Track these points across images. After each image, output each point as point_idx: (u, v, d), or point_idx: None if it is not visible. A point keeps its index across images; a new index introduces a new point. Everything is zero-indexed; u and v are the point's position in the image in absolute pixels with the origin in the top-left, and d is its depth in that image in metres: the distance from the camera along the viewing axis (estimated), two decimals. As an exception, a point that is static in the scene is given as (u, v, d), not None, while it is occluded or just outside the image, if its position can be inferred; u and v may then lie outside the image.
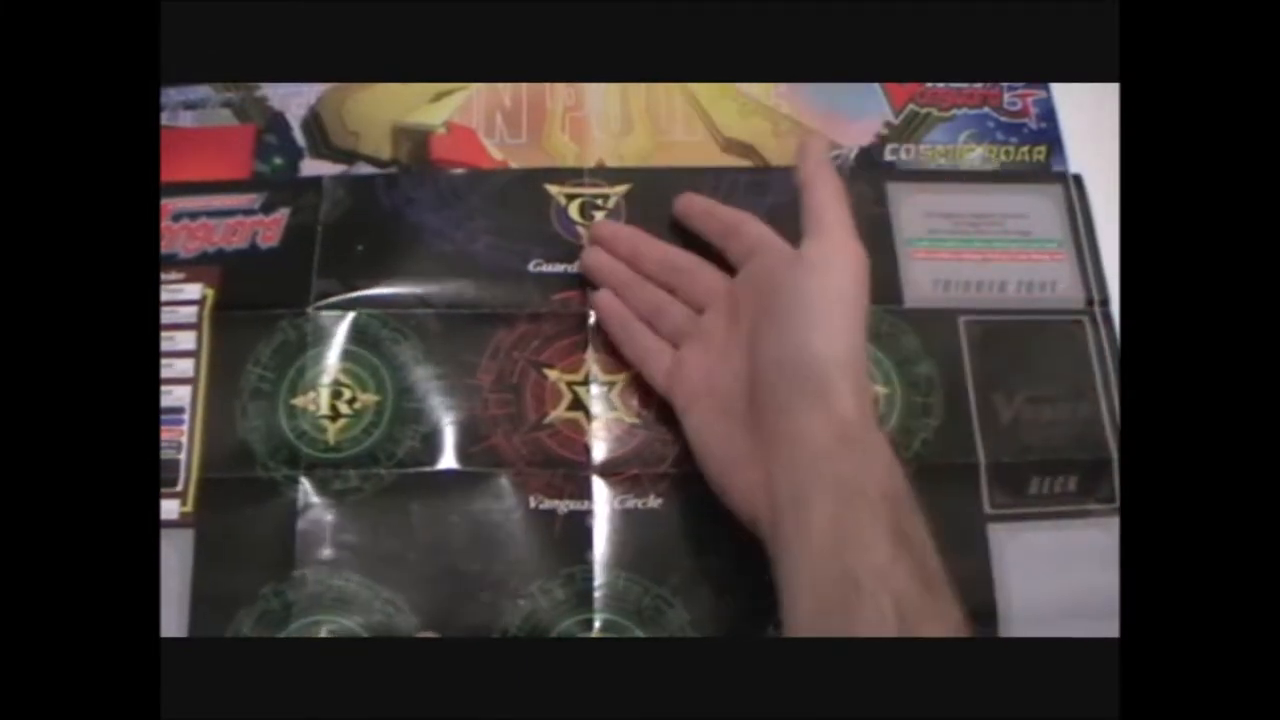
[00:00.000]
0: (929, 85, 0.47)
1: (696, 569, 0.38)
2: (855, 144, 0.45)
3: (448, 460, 0.39)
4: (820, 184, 0.36)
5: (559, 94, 0.46)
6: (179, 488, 0.39)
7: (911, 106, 0.46)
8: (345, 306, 0.41)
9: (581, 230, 0.43)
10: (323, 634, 0.37)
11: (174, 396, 0.40)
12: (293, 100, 0.45)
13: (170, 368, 0.40)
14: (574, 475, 0.39)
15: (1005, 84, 0.47)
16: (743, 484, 0.34)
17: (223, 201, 0.43)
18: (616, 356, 0.40)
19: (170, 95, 0.45)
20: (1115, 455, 0.40)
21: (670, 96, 0.46)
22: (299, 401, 0.40)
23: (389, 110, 0.45)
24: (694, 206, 0.41)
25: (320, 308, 0.41)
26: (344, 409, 0.40)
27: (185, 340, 0.41)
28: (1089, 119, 0.46)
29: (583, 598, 0.38)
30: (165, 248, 0.42)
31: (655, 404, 0.39)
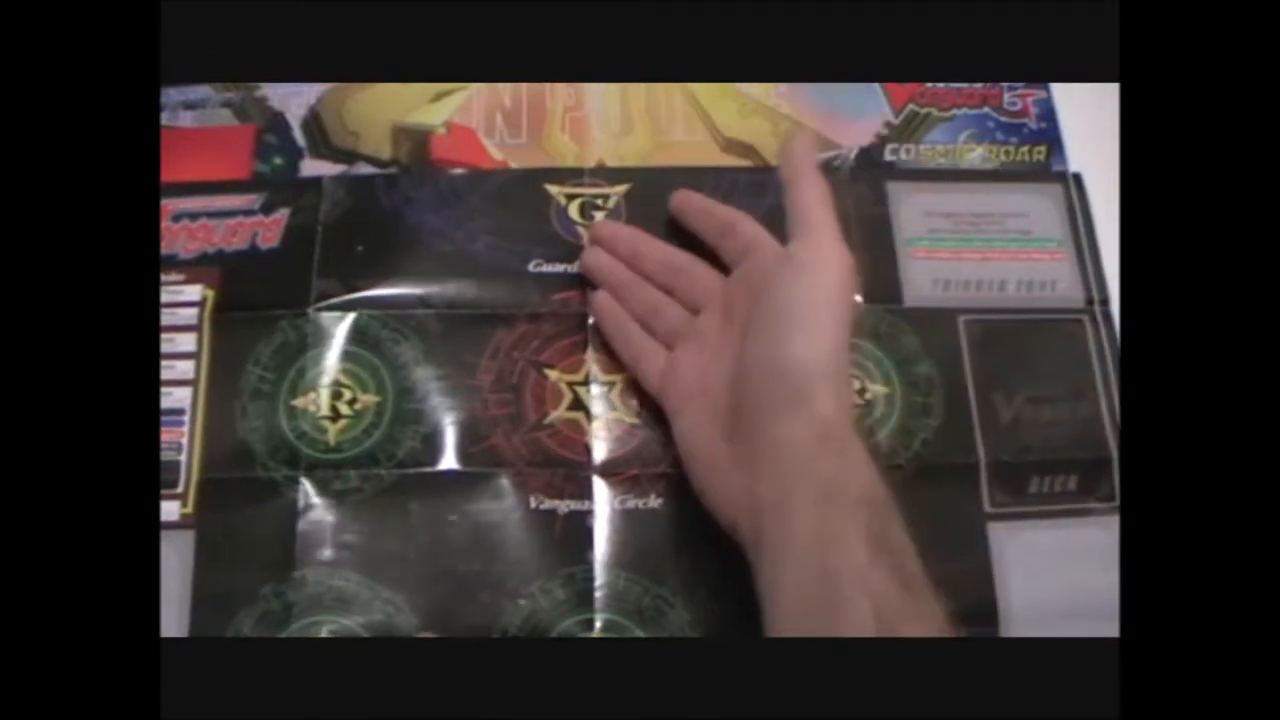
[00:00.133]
0: (929, 85, 0.47)
1: (696, 569, 0.38)
2: (855, 144, 0.45)
3: (448, 460, 0.39)
4: (805, 184, 0.36)
5: (559, 94, 0.46)
6: (179, 489, 0.39)
7: (911, 106, 0.46)
8: (345, 307, 0.41)
9: (581, 230, 0.43)
10: (323, 634, 0.37)
11: (174, 398, 0.40)
12: (293, 100, 0.45)
13: (171, 369, 0.40)
14: (574, 475, 0.39)
15: (1005, 84, 0.47)
16: (724, 489, 0.34)
17: (223, 202, 0.43)
18: (616, 356, 0.40)
19: (170, 95, 0.45)
20: (1115, 454, 0.40)
21: (670, 96, 0.46)
22: (299, 402, 0.40)
23: (389, 110, 0.45)
24: (690, 204, 0.41)
25: (320, 308, 0.41)
26: (344, 409, 0.40)
27: (185, 342, 0.40)
28: (1089, 119, 0.46)
29: (583, 598, 0.38)
30: (165, 248, 0.42)
31: (655, 404, 0.39)
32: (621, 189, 0.43)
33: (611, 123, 0.45)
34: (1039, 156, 0.45)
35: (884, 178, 0.44)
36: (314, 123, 0.45)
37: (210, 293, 0.41)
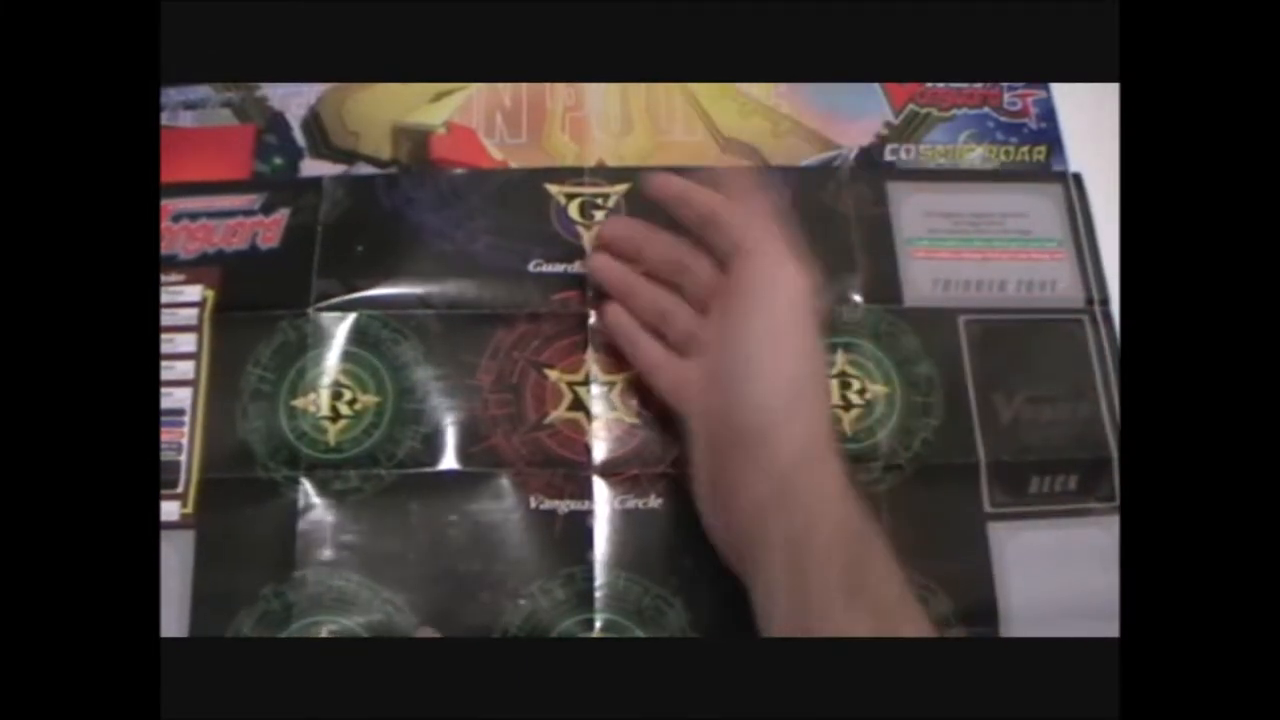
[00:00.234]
0: (929, 85, 0.47)
1: (696, 569, 0.38)
2: (855, 144, 0.45)
3: (448, 461, 0.39)
4: (727, 212, 0.35)
5: (559, 94, 0.46)
6: (179, 489, 0.39)
7: (911, 106, 0.46)
8: (345, 307, 0.41)
9: (582, 230, 0.43)
10: (323, 634, 0.37)
11: (174, 398, 0.40)
12: (293, 100, 0.45)
13: (171, 370, 0.40)
14: (574, 475, 0.39)
15: (1005, 84, 0.47)
16: (710, 520, 0.35)
17: (223, 202, 0.43)
18: (616, 356, 0.40)
19: (170, 95, 0.45)
20: (1115, 454, 0.40)
21: (670, 96, 0.46)
22: (299, 402, 0.40)
23: (389, 110, 0.45)
24: (668, 190, 0.38)
25: (320, 308, 0.41)
26: (344, 410, 0.40)
27: (185, 343, 0.40)
28: (1089, 119, 0.46)
29: (583, 598, 0.38)
30: (165, 249, 0.42)
31: (655, 404, 0.39)
32: (621, 189, 0.43)
33: (611, 123, 0.45)
34: (1039, 156, 0.45)
35: (884, 178, 0.44)
36: (314, 123, 0.45)
37: (210, 293, 0.41)
